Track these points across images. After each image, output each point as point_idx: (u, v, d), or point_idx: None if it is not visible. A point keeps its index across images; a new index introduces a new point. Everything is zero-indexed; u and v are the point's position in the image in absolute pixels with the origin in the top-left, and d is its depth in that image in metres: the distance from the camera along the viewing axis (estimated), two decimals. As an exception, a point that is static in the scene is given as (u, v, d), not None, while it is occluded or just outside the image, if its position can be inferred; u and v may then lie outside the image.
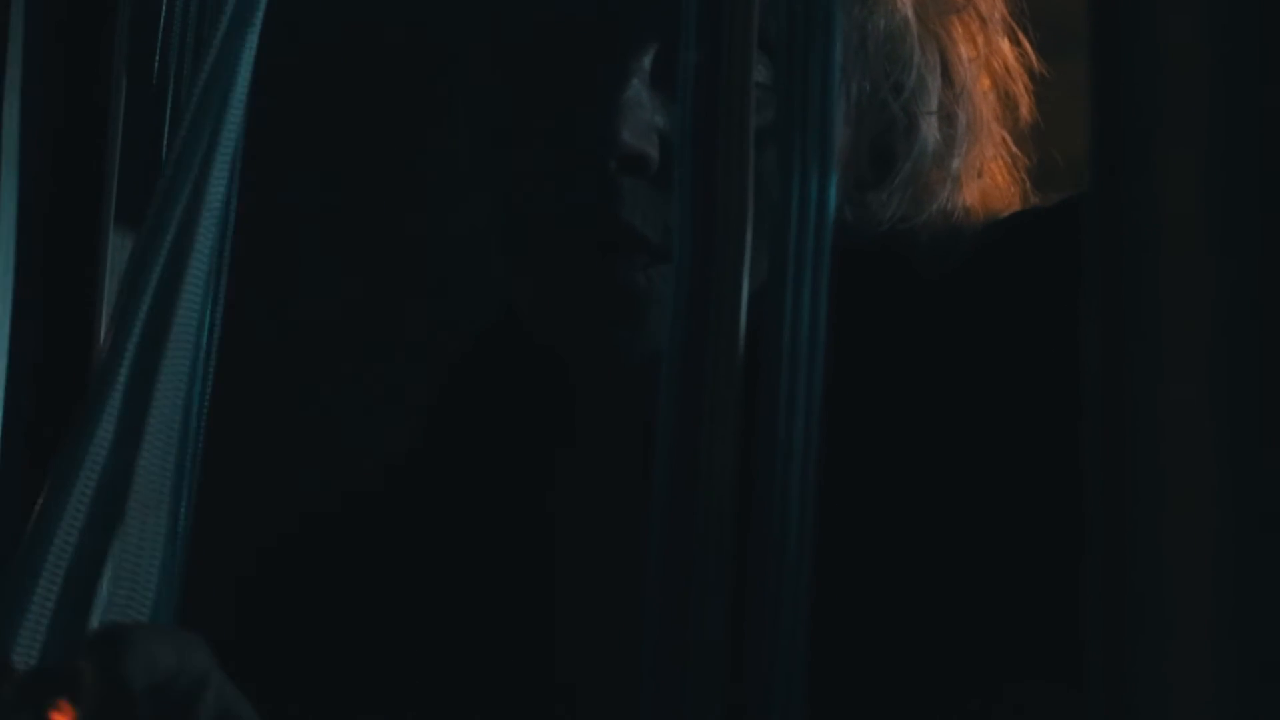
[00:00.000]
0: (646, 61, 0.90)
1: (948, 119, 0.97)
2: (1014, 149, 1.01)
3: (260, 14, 0.81)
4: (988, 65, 0.99)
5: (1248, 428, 0.44)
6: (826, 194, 0.59)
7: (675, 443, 0.58)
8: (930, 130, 0.96)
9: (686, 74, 0.57)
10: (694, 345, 0.58)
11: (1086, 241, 0.46)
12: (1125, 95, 0.46)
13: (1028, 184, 1.02)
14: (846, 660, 0.84)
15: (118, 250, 0.81)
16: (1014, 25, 1.01)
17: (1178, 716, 0.45)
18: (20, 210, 0.86)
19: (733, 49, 0.58)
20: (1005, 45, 1.00)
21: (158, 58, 0.82)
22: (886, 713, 0.86)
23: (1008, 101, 1.00)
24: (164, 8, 0.83)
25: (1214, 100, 0.45)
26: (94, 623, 0.72)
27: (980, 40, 0.98)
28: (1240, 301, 0.44)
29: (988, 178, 1.00)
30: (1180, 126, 0.45)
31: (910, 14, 0.95)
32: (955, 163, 0.97)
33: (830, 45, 0.57)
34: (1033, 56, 1.01)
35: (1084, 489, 0.47)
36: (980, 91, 0.98)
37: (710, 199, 0.58)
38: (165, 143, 0.81)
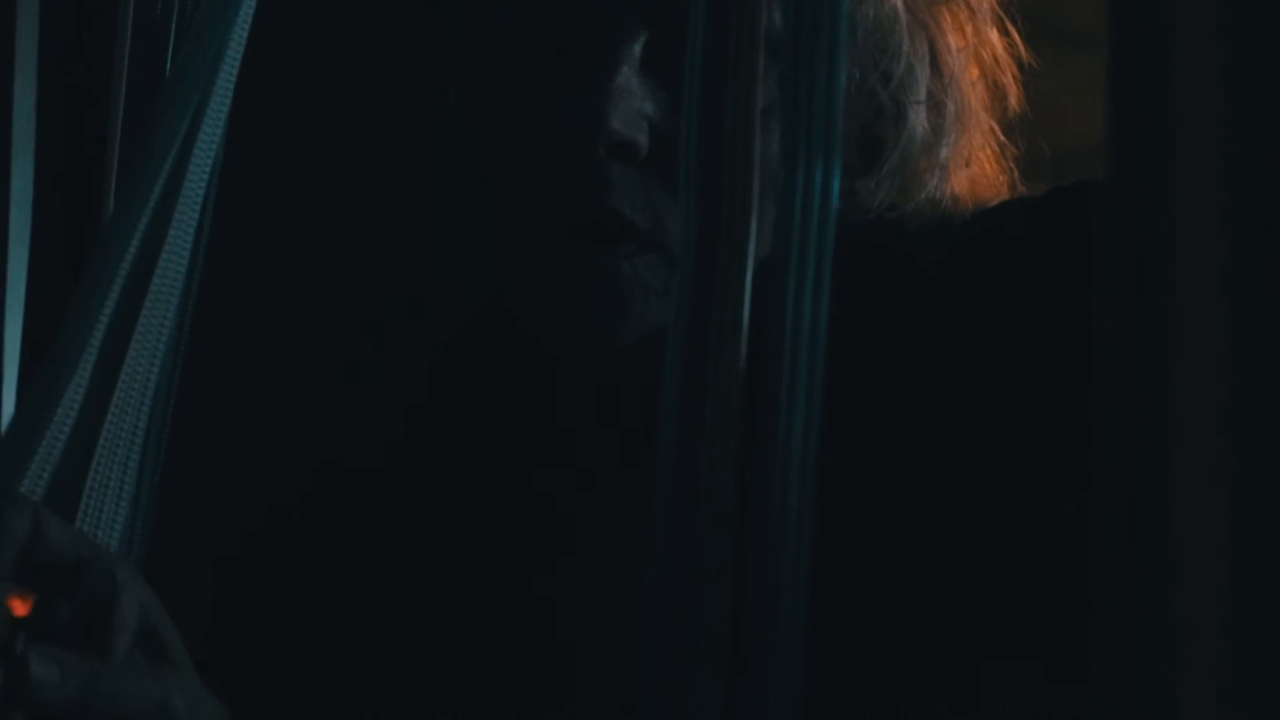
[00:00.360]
0: (637, 49, 0.90)
1: (936, 108, 0.97)
2: (1002, 138, 1.01)
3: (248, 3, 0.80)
4: (976, 55, 0.99)
5: (1263, 418, 0.44)
6: (830, 187, 0.58)
7: (677, 439, 0.58)
8: (919, 119, 0.96)
9: (693, 63, 0.57)
10: (696, 339, 0.58)
11: (1101, 232, 0.46)
12: (1142, 85, 0.46)
13: (1015, 173, 1.02)
14: (845, 658, 0.84)
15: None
16: (1002, 16, 1.01)
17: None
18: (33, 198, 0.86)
19: (740, 36, 0.58)
20: (994, 35, 1.00)
21: (157, 38, 0.82)
22: (885, 713, 0.85)
23: (996, 91, 1.00)
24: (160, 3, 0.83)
25: (1230, 90, 0.45)
26: None
27: (969, 30, 0.99)
28: (1256, 292, 0.44)
29: (976, 167, 1.00)
30: (1197, 114, 0.45)
31: (899, 3, 0.95)
32: (943, 152, 0.97)
33: (836, 38, 0.57)
34: (1021, 47, 1.01)
35: (1094, 480, 0.46)
36: (969, 81, 0.98)
37: (715, 189, 0.58)
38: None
